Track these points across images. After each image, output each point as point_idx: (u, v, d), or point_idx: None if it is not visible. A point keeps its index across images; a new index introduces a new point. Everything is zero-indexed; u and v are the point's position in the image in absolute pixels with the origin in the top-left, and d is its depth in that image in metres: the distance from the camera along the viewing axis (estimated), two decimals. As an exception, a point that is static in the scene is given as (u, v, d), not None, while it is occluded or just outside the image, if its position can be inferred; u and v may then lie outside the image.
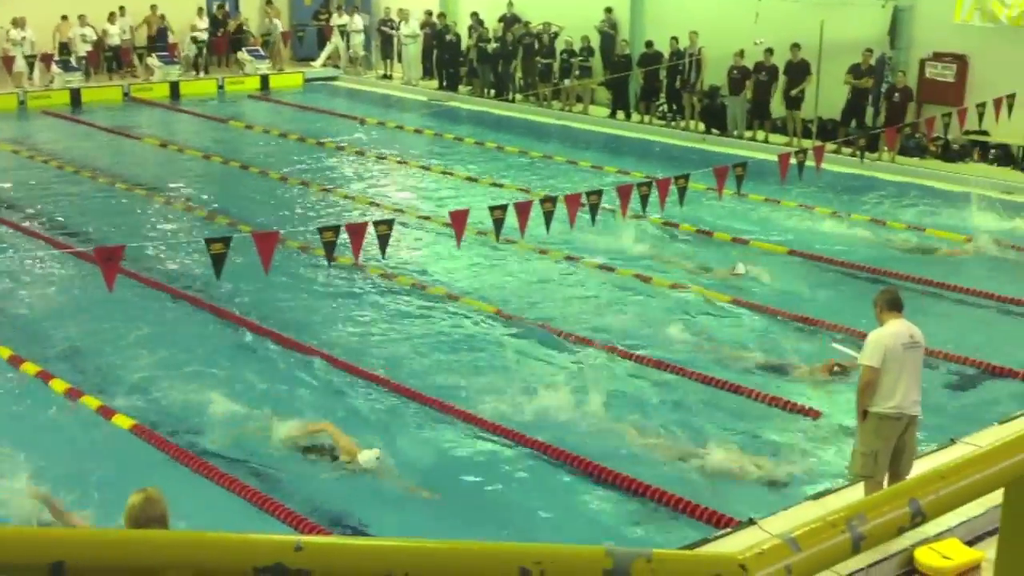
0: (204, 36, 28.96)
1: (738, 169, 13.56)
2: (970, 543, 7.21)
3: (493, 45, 26.61)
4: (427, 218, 16.90)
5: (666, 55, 23.50)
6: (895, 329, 7.67)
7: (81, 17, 27.02)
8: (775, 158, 14.32)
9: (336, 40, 30.61)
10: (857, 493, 7.67)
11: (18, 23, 26.12)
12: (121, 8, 27.62)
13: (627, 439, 9.75)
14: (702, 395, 10.69)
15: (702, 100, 23.25)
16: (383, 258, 12.71)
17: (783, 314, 12.77)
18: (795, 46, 21.08)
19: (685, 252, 15.42)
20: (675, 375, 11.09)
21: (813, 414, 10.15)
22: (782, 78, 21.62)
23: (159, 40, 28.60)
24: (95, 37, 27.44)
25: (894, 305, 7.83)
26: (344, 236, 11.09)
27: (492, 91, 27.06)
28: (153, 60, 28.14)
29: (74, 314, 12.90)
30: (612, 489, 8.92)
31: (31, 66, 26.60)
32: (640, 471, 9.08)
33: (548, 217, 12.19)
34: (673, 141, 22.92)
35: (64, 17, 27.00)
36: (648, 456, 9.48)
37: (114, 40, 27.76)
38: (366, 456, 9.06)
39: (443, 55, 28.09)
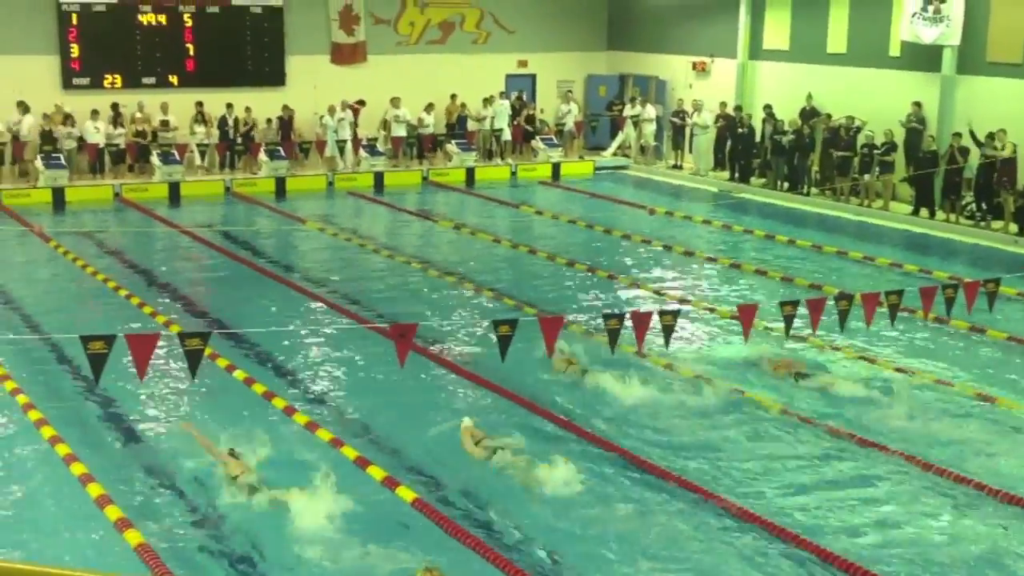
0: (502, 125, 29.94)
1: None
2: None
3: (789, 137, 26.04)
4: (712, 310, 16.49)
5: (975, 151, 22.22)
6: None
7: (396, 100, 28.72)
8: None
9: (628, 130, 30.93)
10: None
11: (331, 110, 28.00)
12: (430, 104, 29.29)
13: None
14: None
15: (1018, 200, 21.74)
16: (667, 349, 12.44)
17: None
18: None
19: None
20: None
21: None
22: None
23: (459, 128, 29.86)
24: (408, 120, 29.05)
25: None
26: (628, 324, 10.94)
27: (786, 184, 26.45)
28: (452, 147, 29.39)
29: (365, 387, 13.35)
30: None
31: (341, 150, 28.40)
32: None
33: (843, 316, 11.59)
34: (982, 242, 21.52)
35: (393, 101, 28.72)
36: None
37: (428, 129, 29.31)
38: None
39: (736, 146, 27.80)
